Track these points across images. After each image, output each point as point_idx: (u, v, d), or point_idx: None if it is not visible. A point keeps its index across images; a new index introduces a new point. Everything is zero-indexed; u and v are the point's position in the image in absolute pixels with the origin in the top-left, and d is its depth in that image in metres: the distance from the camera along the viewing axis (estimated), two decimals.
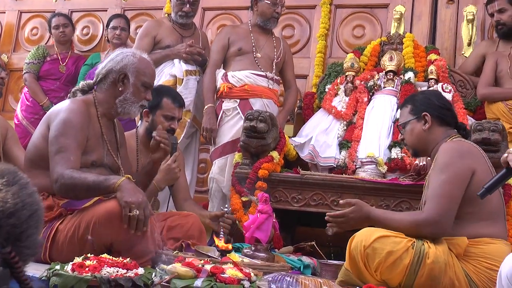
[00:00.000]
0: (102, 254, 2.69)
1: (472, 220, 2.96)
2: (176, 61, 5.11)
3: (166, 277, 2.43)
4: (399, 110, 3.46)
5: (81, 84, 3.47)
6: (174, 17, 5.28)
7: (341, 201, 3.21)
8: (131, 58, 3.37)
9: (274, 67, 5.19)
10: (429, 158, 3.90)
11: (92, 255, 2.62)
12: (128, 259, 2.63)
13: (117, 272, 2.47)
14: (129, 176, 3.17)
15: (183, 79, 5.04)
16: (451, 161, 2.99)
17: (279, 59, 5.24)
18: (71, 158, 3.10)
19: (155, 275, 2.52)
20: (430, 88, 4.83)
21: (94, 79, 3.43)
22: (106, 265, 2.50)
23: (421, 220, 2.92)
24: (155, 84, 3.66)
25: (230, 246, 3.10)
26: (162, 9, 6.59)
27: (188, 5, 5.22)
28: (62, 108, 3.24)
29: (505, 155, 2.46)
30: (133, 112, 3.39)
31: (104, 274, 2.43)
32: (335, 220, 3.14)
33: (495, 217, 3.01)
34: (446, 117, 3.26)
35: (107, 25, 5.98)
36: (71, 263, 2.53)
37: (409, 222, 2.96)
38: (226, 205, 3.77)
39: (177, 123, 4.13)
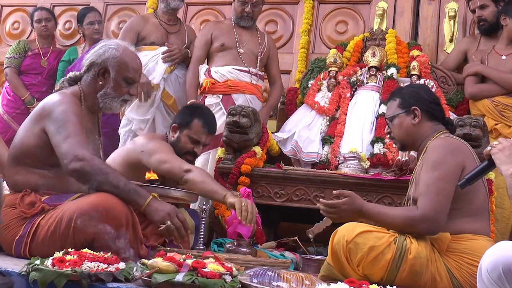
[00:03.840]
0: (83, 249, 2.67)
1: (456, 216, 2.97)
2: (159, 63, 5.13)
3: (147, 271, 2.42)
4: (382, 106, 3.44)
5: (69, 75, 3.44)
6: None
7: (334, 192, 3.16)
8: (113, 52, 3.31)
9: (258, 63, 5.18)
10: (411, 153, 3.92)
11: (73, 249, 2.60)
12: (109, 254, 2.61)
13: (98, 266, 2.46)
14: (155, 194, 3.18)
15: (159, 84, 5.08)
16: (443, 158, 2.98)
17: (263, 54, 5.23)
18: (86, 142, 3.10)
19: (136, 270, 2.51)
20: None
21: (81, 70, 3.41)
22: (86, 260, 2.48)
23: (416, 217, 2.91)
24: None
25: (156, 176, 3.33)
26: (145, 4, 6.55)
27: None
28: (55, 102, 3.19)
29: (488, 148, 2.47)
30: (114, 107, 3.34)
31: (85, 269, 2.42)
32: (327, 210, 3.12)
33: (479, 213, 3.02)
34: (435, 112, 3.26)
35: (80, 21, 5.90)
36: (51, 257, 2.51)
37: (404, 218, 2.95)
38: (204, 202, 3.75)
39: (202, 148, 4.03)
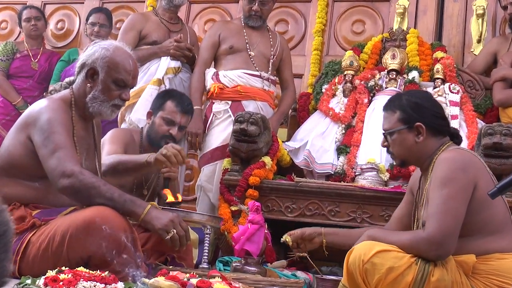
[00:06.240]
0: (78, 267, 2.67)
1: (478, 236, 2.94)
2: (163, 58, 5.13)
3: None
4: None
5: (65, 80, 3.47)
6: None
7: None
8: (102, 52, 3.31)
9: (270, 67, 5.19)
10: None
11: (67, 268, 2.61)
12: (106, 272, 2.62)
13: (95, 286, 2.46)
14: (154, 203, 3.21)
15: (162, 78, 5.06)
16: (453, 175, 2.93)
17: (275, 57, 5.24)
18: (74, 155, 3.11)
19: None
20: (436, 89, 4.86)
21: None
22: (82, 279, 2.48)
23: (423, 241, 2.85)
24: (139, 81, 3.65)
25: (179, 198, 3.40)
26: (144, 1, 6.60)
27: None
28: (41, 109, 3.20)
29: None
30: (104, 112, 3.32)
31: None
32: None
33: (502, 229, 2.98)
34: (440, 127, 3.20)
35: (86, 20, 5.99)
36: (43, 277, 2.51)
37: (409, 242, 2.89)
38: None
39: (178, 129, 4.12)
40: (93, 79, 3.31)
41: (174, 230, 3.03)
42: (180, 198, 3.50)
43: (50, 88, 3.60)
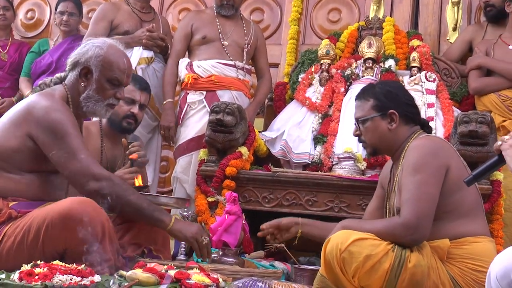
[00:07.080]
0: (53, 261, 2.67)
1: (450, 219, 3.01)
2: (135, 48, 5.11)
3: (125, 284, 2.44)
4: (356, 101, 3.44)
5: (56, 75, 3.44)
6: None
7: None
8: (96, 50, 3.29)
9: (244, 56, 5.19)
10: None
11: (42, 262, 2.61)
12: (83, 265, 2.63)
13: (71, 280, 2.46)
14: (176, 216, 3.36)
15: (135, 68, 5.02)
16: (425, 160, 3.01)
17: (250, 46, 5.24)
18: (94, 158, 3.17)
19: (113, 283, 2.53)
20: (412, 77, 4.90)
21: (65, 69, 3.40)
22: (58, 273, 2.48)
23: (398, 226, 2.93)
24: None
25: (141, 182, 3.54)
26: None
27: None
28: (44, 107, 3.15)
29: (499, 142, 2.49)
30: (99, 111, 3.31)
31: (56, 283, 2.42)
32: None
33: (474, 213, 3.06)
34: (412, 115, 3.29)
35: (56, 9, 5.95)
36: (18, 271, 2.50)
37: (384, 229, 2.97)
38: (185, 210, 3.78)
39: (139, 108, 4.11)
40: (86, 78, 3.29)
41: (206, 238, 3.22)
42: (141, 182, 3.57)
43: (40, 82, 3.56)
